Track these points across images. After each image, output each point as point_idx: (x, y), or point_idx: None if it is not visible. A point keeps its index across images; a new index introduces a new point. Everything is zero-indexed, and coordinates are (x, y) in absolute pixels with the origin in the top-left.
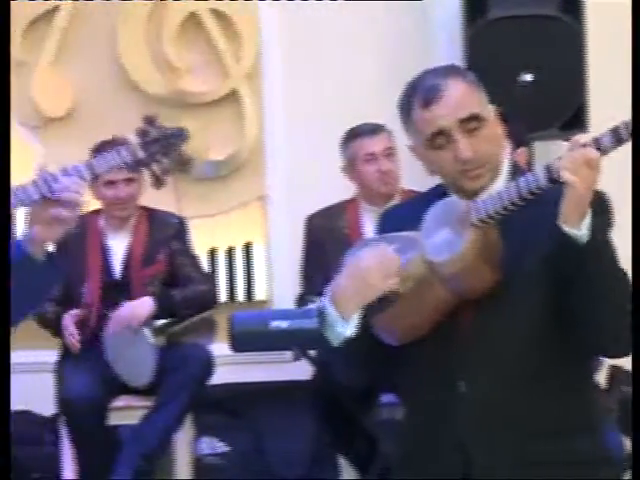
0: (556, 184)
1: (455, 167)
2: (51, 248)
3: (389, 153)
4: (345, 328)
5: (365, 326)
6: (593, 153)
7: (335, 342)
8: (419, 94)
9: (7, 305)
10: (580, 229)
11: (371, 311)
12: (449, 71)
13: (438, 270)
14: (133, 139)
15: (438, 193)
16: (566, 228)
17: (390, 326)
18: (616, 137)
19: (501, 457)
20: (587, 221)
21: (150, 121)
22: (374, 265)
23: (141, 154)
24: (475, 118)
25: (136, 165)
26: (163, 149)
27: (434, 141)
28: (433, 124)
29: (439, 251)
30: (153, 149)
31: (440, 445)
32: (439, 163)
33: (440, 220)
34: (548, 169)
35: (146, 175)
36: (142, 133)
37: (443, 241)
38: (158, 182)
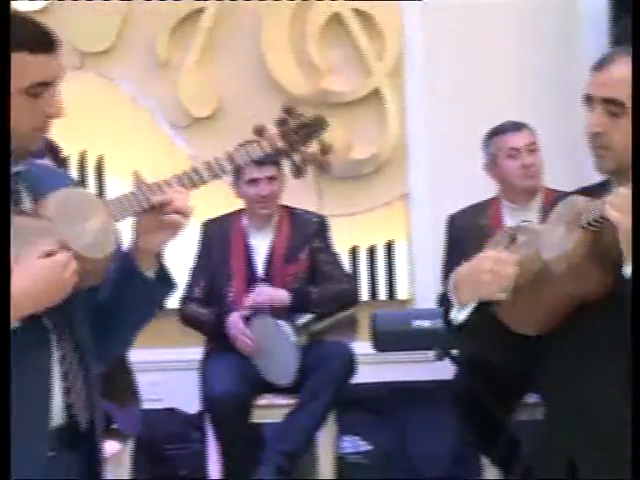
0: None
1: (589, 137)
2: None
3: (532, 149)
4: (459, 314)
5: (490, 313)
6: None
7: (452, 326)
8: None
9: (7, 306)
10: (627, 265)
11: (488, 304)
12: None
13: (549, 267)
14: (272, 129)
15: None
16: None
17: (515, 316)
18: None
19: (604, 463)
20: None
21: (289, 110)
22: (488, 268)
23: (281, 144)
24: (618, 104)
25: (276, 155)
26: (302, 138)
27: (585, 101)
28: (586, 88)
29: (551, 249)
30: (293, 138)
31: (555, 447)
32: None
33: (560, 218)
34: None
35: (286, 167)
36: (281, 122)
37: (557, 239)
38: (298, 172)
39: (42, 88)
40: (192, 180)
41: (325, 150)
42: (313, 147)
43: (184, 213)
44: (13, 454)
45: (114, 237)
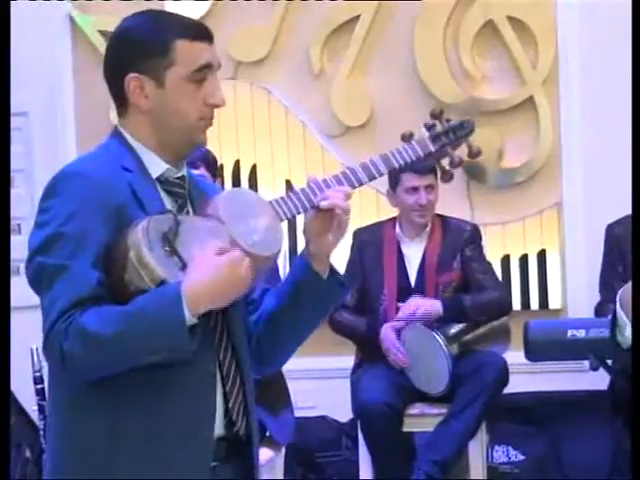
0: None
1: None
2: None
3: None
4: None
5: None
6: None
7: (624, 346)
8: None
9: (7, 304)
10: None
11: None
12: None
13: None
14: (423, 133)
15: None
16: None
17: None
18: None
19: None
20: None
21: (437, 115)
22: None
23: (432, 147)
24: None
25: (426, 159)
26: (451, 142)
27: None
28: None
29: None
30: (442, 142)
31: None
32: None
33: None
34: None
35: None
36: (430, 127)
37: None
38: (447, 176)
39: (205, 72)
40: (350, 181)
41: (474, 154)
42: (461, 151)
43: (346, 211)
44: (176, 462)
45: (280, 236)
